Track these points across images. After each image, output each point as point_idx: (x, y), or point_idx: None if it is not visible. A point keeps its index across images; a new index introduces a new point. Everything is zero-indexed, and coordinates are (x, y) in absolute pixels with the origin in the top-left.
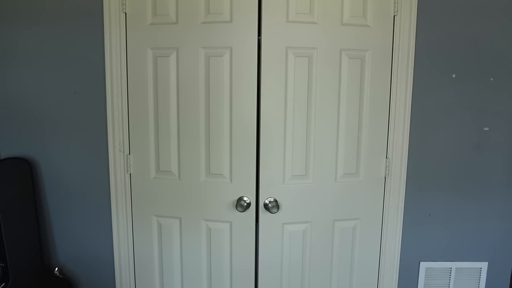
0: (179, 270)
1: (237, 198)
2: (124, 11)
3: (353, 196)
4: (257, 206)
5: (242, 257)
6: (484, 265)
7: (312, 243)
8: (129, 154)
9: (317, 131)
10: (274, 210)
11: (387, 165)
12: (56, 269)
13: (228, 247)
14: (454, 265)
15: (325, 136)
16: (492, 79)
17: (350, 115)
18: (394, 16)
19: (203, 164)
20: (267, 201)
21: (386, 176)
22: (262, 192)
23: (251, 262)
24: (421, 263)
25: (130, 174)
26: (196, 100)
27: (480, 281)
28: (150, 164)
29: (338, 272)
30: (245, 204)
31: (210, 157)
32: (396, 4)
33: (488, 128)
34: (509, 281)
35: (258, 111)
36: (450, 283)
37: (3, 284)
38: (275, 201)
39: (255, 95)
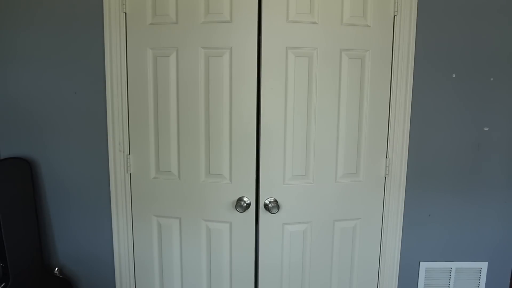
0: (179, 271)
1: (236, 198)
2: (124, 11)
3: (353, 196)
4: (257, 207)
5: (242, 258)
6: (484, 265)
7: (312, 243)
8: (129, 154)
9: (317, 131)
10: (274, 210)
11: (387, 165)
12: (56, 269)
13: (227, 248)
14: (454, 265)
15: (325, 136)
16: (492, 79)
17: (350, 115)
18: (394, 16)
19: (203, 164)
20: (267, 201)
21: (386, 176)
22: (262, 192)
23: (251, 263)
24: (421, 263)
25: (130, 174)
26: (196, 100)
27: (480, 281)
28: (150, 164)
29: (338, 272)
30: (245, 204)
31: (210, 157)
32: (396, 4)
33: (488, 128)
34: (509, 281)
35: (258, 111)
36: (450, 283)
37: (3, 284)
38: (275, 201)
39: (255, 95)
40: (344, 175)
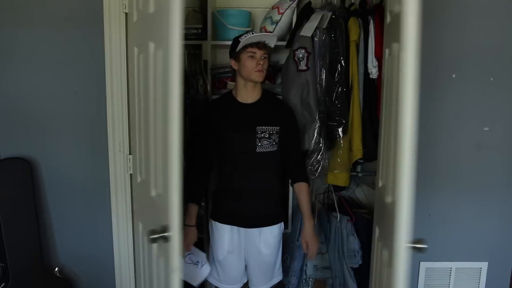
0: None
1: (162, 225)
2: (125, 11)
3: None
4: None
5: None
6: (484, 265)
7: None
8: (130, 154)
9: None
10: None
11: None
12: (56, 269)
13: (163, 278)
14: (454, 265)
15: None
16: (492, 79)
17: None
18: None
19: (153, 177)
20: None
21: None
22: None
23: None
24: (421, 263)
25: (130, 174)
26: (147, 102)
27: (480, 281)
28: (137, 167)
29: None
30: (156, 236)
31: (157, 170)
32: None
33: (488, 128)
34: (509, 281)
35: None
36: (450, 283)
37: (3, 284)
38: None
39: (177, 101)
40: None
